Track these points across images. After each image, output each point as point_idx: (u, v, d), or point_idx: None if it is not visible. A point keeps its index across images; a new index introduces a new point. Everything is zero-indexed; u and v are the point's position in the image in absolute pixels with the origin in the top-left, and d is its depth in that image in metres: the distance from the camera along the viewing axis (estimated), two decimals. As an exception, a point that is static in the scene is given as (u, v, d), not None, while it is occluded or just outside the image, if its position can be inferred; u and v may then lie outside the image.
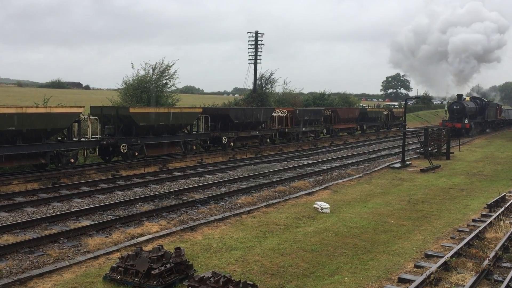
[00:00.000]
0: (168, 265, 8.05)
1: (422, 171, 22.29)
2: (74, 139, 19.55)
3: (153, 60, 35.69)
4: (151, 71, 32.46)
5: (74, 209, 12.99)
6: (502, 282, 8.22)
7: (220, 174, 19.84)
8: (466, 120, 40.77)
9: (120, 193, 15.55)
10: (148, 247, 9.64)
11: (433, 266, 8.68)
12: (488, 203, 14.31)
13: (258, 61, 46.50)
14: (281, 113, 32.47)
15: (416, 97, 49.31)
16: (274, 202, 14.74)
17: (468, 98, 46.52)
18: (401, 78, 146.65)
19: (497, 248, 9.68)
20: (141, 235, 10.94)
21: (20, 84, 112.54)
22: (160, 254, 8.28)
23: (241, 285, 7.33)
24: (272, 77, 47.63)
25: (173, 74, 33.05)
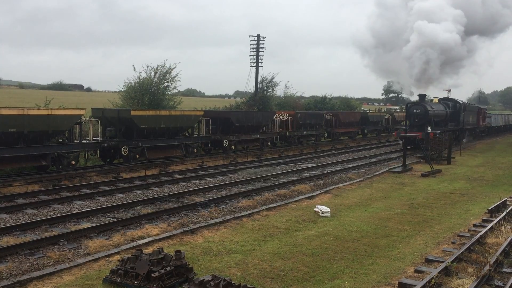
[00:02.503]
0: (168, 268, 8.04)
1: (423, 175, 22.26)
2: (75, 141, 19.56)
3: (157, 63, 35.70)
4: (152, 74, 32.56)
5: (75, 211, 12.98)
6: (503, 287, 8.20)
7: (221, 177, 19.83)
8: (429, 128, 31.18)
9: (120, 195, 15.55)
10: (148, 250, 9.62)
11: (434, 271, 8.66)
12: (489, 208, 14.29)
13: (260, 64, 46.67)
14: (282, 116, 32.48)
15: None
16: (275, 205, 14.73)
17: (436, 100, 36.48)
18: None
19: (498, 253, 9.66)
20: (141, 237, 10.93)
21: (22, 86, 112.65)
22: (160, 257, 8.27)
23: (241, 288, 7.32)
24: (273, 80, 47.72)
25: (175, 77, 33.15)
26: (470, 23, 36.00)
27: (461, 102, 38.21)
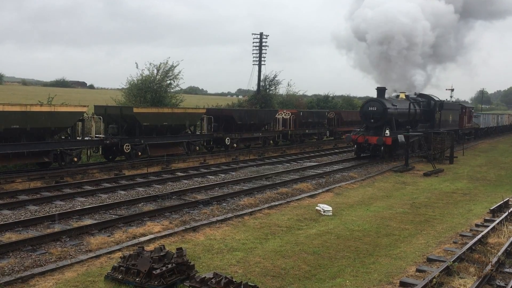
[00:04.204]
0: (169, 266, 8.05)
1: (425, 175, 22.23)
2: (77, 138, 19.58)
3: (160, 61, 35.58)
4: (155, 71, 32.58)
5: (77, 208, 13.01)
6: (504, 287, 8.19)
7: (222, 175, 19.84)
8: (387, 132, 24.78)
9: (122, 192, 15.57)
10: (150, 247, 9.63)
11: (435, 271, 8.65)
12: (491, 208, 14.27)
13: (263, 62, 46.59)
14: (285, 115, 32.46)
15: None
16: (277, 204, 14.73)
17: (403, 95, 29.15)
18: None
19: (499, 253, 9.64)
20: (143, 235, 10.94)
21: (24, 82, 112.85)
22: (161, 254, 8.28)
23: (242, 286, 7.32)
24: (276, 78, 47.65)
25: (177, 75, 33.16)
26: (463, 5, 31.58)
27: (437, 99, 31.66)
